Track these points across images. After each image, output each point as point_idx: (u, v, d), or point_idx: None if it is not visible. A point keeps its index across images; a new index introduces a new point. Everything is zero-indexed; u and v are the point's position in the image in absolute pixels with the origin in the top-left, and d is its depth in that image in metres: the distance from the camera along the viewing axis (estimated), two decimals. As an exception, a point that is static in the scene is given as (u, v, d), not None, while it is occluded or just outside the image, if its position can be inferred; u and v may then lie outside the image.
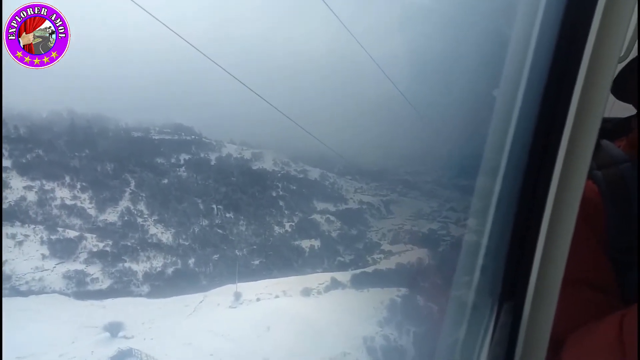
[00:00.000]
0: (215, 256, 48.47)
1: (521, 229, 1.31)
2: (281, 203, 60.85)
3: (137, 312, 32.01)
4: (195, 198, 56.97)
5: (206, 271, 46.22)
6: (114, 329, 29.06)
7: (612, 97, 1.43)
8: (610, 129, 1.52)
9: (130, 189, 54.81)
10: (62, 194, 49.89)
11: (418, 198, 64.43)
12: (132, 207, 52.08)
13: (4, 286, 36.74)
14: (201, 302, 34.93)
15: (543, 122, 1.25)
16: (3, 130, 53.26)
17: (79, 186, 51.40)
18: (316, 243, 54.10)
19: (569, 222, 1.19)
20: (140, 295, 38.82)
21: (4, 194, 46.54)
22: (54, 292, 37.33)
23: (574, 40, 1.16)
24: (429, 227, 55.05)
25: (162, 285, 41.65)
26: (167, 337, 27.56)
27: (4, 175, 48.42)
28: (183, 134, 70.14)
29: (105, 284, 40.30)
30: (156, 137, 68.06)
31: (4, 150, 51.73)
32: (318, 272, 45.04)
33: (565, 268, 1.19)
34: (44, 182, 49.96)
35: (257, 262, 49.10)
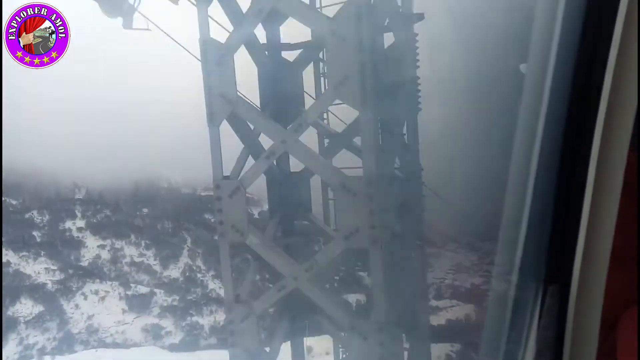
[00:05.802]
0: (271, 310, 53.80)
1: (564, 208, 1.31)
2: (323, 257, 66.06)
3: (228, 362, 37.63)
4: (246, 253, 62.96)
5: (264, 324, 51.49)
6: (216, 378, 34.70)
7: None
8: None
9: (187, 246, 61.48)
10: (130, 251, 56.97)
11: (456, 250, 67.66)
12: (191, 263, 58.55)
13: (92, 338, 43.25)
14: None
15: (576, 102, 1.25)
16: (77, 194, 61.68)
17: (143, 244, 58.45)
18: (362, 297, 58.58)
19: (613, 196, 1.18)
20: (211, 348, 44.54)
21: (82, 252, 54.00)
22: (135, 344, 43.57)
23: (599, 34, 1.16)
24: (471, 281, 58.72)
25: (226, 337, 47.18)
26: (261, 385, 33.05)
27: (80, 235, 56.18)
28: (226, 189, 76.66)
29: (178, 336, 46.31)
30: (203, 194, 74.81)
31: (76, 212, 59.72)
32: (370, 327, 49.68)
33: (612, 246, 1.20)
34: (114, 240, 57.27)
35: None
